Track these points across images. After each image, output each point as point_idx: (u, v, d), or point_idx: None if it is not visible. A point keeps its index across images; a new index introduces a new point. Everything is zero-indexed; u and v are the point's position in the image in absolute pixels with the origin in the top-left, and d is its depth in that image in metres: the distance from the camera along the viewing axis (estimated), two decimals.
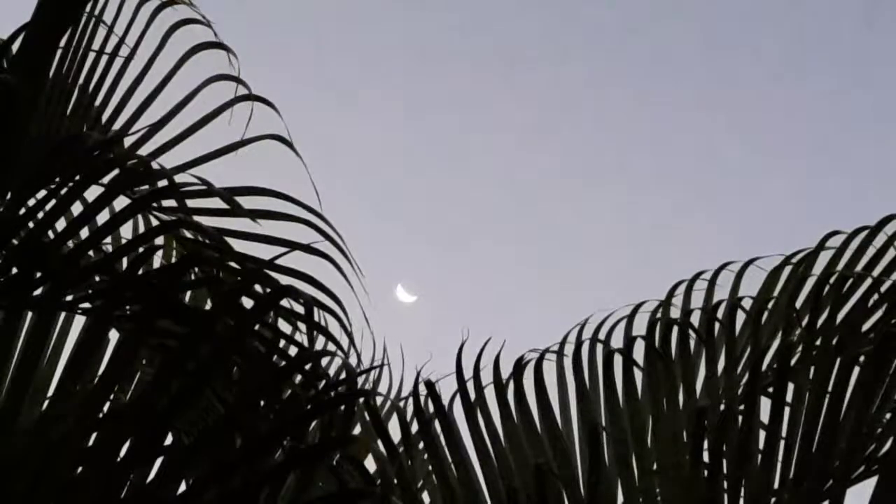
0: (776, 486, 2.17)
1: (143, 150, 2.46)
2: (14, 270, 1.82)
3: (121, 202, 1.94)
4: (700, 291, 2.83)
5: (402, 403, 2.67)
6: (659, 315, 2.69)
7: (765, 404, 2.20)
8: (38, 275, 1.82)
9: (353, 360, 2.45)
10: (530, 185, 5.27)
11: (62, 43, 2.37)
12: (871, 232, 2.75)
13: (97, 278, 1.95)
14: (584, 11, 5.15)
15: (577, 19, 5.22)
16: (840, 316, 2.44)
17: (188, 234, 2.25)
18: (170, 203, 2.24)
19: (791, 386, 2.21)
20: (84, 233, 1.93)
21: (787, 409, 2.20)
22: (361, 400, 2.43)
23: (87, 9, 2.49)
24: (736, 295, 2.79)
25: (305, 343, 2.05)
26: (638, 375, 2.51)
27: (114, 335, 1.93)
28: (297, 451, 1.79)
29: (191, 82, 2.55)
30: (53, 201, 1.85)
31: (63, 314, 2.34)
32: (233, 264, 2.01)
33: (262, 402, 1.80)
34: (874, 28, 4.81)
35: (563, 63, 5.30)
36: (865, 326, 2.41)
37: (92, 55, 2.51)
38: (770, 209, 5.15)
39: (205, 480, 1.68)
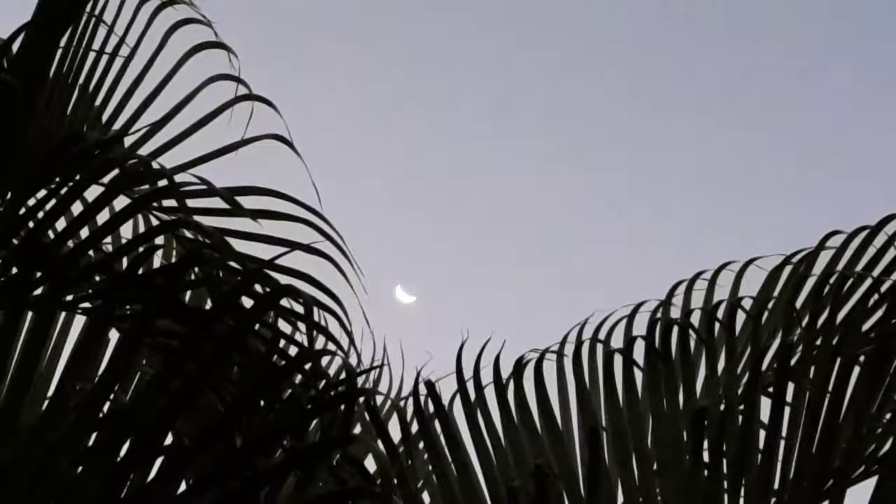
0: (776, 486, 2.17)
1: (143, 150, 2.46)
2: (14, 270, 1.82)
3: (121, 202, 1.94)
4: (700, 291, 2.83)
5: (402, 403, 2.67)
6: (659, 315, 2.68)
7: (765, 404, 2.20)
8: (38, 275, 1.82)
9: (353, 360, 2.45)
10: (530, 185, 5.27)
11: (62, 43, 2.37)
12: (871, 232, 2.75)
13: (97, 278, 1.95)
14: None
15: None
16: (840, 316, 2.44)
17: (188, 234, 2.25)
18: (170, 203, 2.24)
19: (791, 386, 2.21)
20: (84, 233, 1.93)
21: (787, 409, 2.20)
22: (361, 400, 2.43)
23: (87, 9, 2.49)
24: (736, 295, 2.79)
25: (305, 343, 2.05)
26: (638, 375, 2.51)
27: (114, 335, 1.93)
28: (297, 451, 1.79)
29: (191, 82, 2.55)
30: (53, 201, 1.85)
31: (63, 314, 2.34)
32: (233, 264, 2.00)
33: (262, 402, 1.80)
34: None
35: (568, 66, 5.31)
36: (865, 326, 2.41)
37: (92, 55, 2.51)
38: (770, 209, 5.15)
39: (205, 480, 1.69)
